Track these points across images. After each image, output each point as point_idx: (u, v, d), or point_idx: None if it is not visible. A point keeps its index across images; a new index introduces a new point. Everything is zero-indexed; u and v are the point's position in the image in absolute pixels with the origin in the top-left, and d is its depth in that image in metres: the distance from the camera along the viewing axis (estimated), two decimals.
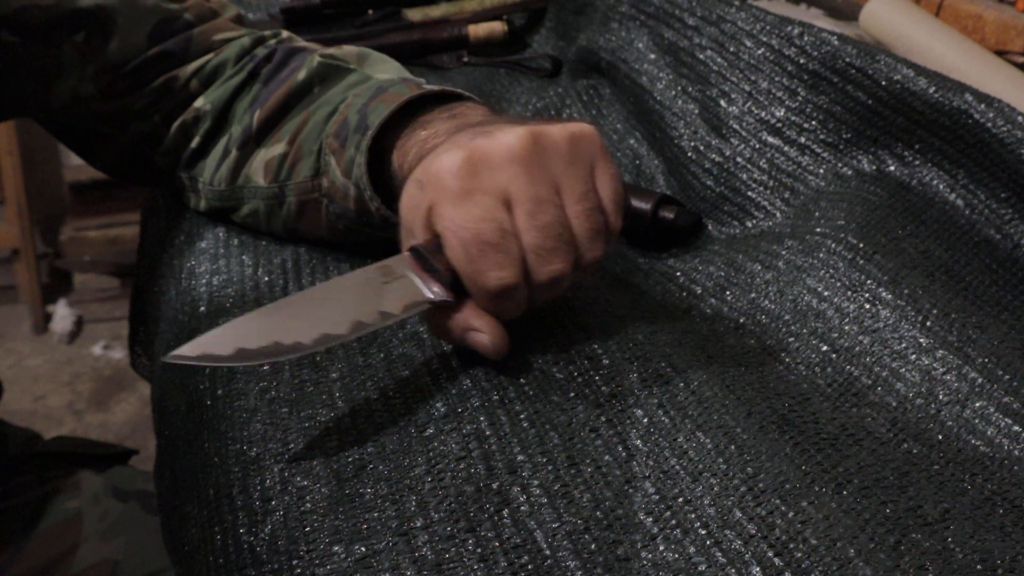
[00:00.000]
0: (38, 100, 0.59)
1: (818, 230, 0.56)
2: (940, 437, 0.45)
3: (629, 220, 0.61)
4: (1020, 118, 0.55)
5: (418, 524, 0.39)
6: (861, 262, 0.53)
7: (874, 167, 0.61)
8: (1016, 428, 0.45)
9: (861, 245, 0.54)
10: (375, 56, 0.60)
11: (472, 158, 0.41)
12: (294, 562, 0.38)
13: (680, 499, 0.39)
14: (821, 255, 0.54)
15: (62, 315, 2.05)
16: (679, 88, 0.70)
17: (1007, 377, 0.47)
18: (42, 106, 0.60)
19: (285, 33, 0.65)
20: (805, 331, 0.51)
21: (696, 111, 0.68)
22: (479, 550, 0.37)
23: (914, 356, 0.49)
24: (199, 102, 0.61)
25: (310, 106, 0.58)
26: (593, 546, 0.37)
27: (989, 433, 0.46)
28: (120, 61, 0.59)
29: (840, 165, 0.62)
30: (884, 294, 0.51)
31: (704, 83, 0.68)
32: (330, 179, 0.54)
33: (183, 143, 0.62)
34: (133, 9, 0.59)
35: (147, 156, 0.64)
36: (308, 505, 0.40)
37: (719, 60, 0.68)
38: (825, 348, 0.50)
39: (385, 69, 0.58)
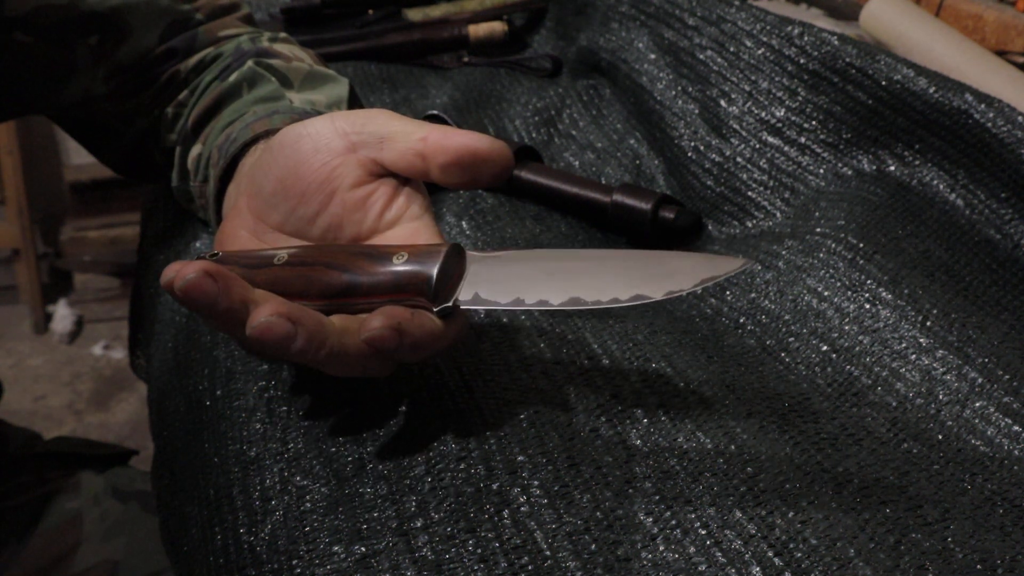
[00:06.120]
0: (49, 99, 0.59)
1: (818, 230, 0.56)
2: (940, 437, 0.45)
3: (629, 220, 0.61)
4: (1020, 118, 0.55)
5: (418, 524, 0.38)
6: (861, 262, 0.53)
7: (874, 167, 0.61)
8: (1016, 428, 0.45)
9: (861, 245, 0.54)
10: (322, 75, 0.58)
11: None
12: (294, 562, 0.38)
13: (680, 499, 0.39)
14: (821, 255, 0.54)
15: (62, 315, 2.05)
16: (679, 88, 0.70)
17: (1007, 377, 0.47)
18: (53, 105, 0.60)
19: (283, 35, 0.64)
20: (805, 331, 0.51)
21: (696, 111, 0.68)
22: (479, 551, 0.37)
23: (914, 356, 0.49)
24: (183, 95, 0.60)
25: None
26: (593, 546, 0.37)
27: (989, 433, 0.46)
28: (131, 63, 0.59)
29: (840, 165, 0.62)
30: (884, 294, 0.51)
31: (704, 83, 0.68)
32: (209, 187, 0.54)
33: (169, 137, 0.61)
34: (147, 12, 0.58)
35: (150, 152, 0.64)
36: (308, 505, 0.40)
37: (719, 60, 0.68)
38: (825, 348, 0.50)
39: (319, 92, 0.56)
